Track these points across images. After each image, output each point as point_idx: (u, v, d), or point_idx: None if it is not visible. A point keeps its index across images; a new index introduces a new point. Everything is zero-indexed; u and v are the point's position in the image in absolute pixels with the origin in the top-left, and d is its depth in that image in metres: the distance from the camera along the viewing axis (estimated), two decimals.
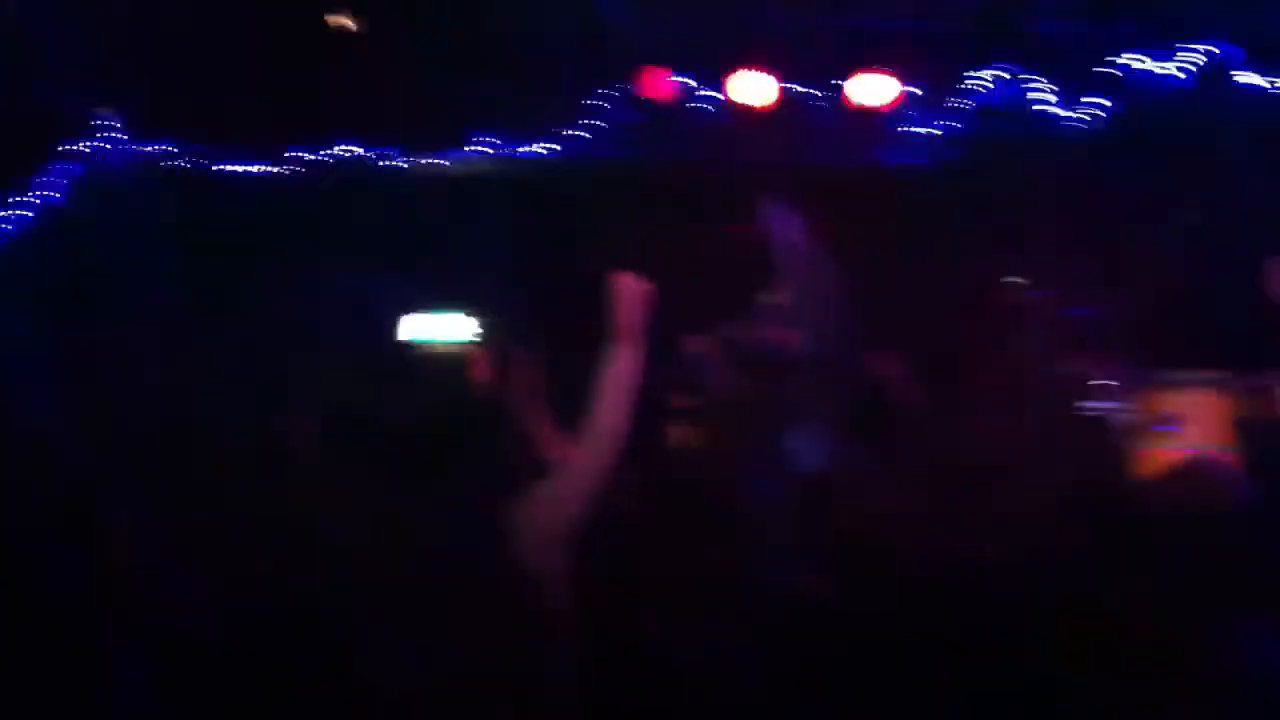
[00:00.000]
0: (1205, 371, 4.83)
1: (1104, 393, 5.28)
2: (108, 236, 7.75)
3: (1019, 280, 6.08)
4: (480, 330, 7.62)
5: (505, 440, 4.36)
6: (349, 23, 8.29)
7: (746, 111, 7.84)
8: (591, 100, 8.20)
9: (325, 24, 8.14)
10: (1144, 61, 7.09)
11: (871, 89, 7.40)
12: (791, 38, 7.51)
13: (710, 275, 6.28)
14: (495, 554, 3.12)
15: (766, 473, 5.23)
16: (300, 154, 8.34)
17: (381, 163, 8.26)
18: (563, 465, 3.48)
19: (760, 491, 4.77)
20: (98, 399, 5.37)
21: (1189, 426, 4.65)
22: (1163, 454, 4.71)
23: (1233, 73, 6.75)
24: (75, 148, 8.35)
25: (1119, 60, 7.13)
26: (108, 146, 8.35)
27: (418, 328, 7.82)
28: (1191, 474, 3.81)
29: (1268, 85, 6.70)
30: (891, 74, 7.37)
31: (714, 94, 7.97)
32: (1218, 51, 6.88)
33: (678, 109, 8.11)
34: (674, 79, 8.06)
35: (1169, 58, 6.87)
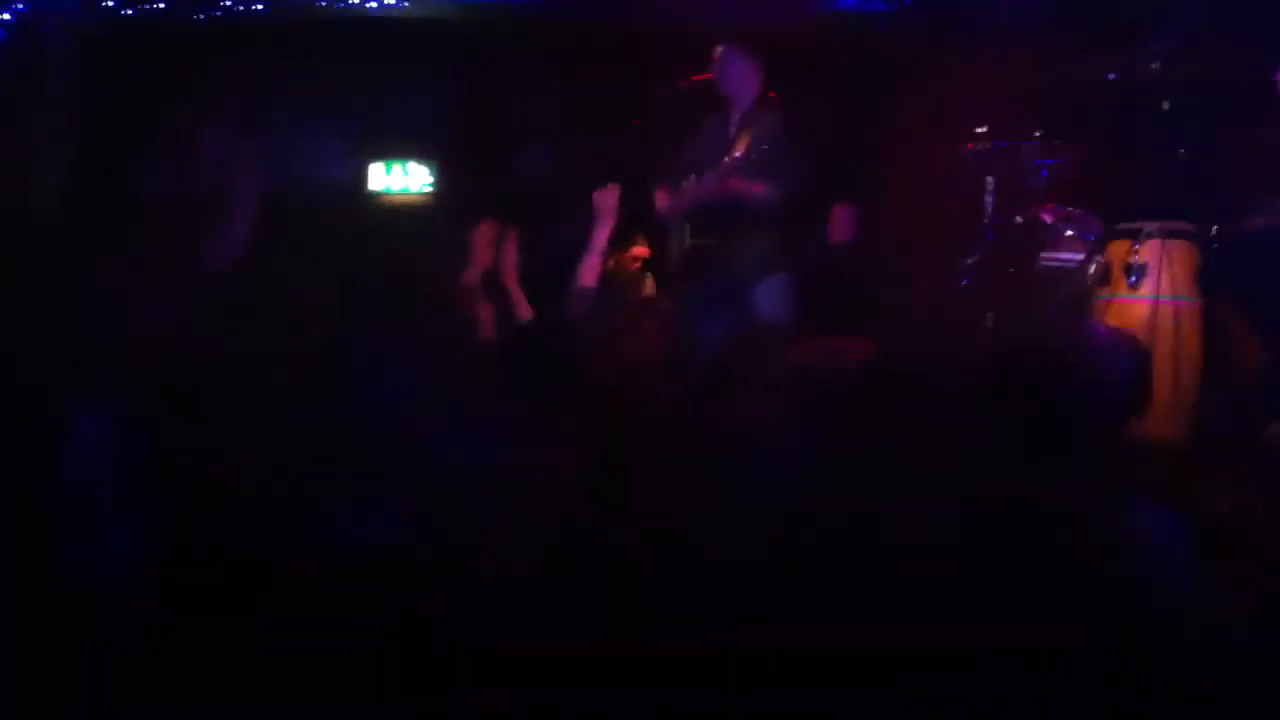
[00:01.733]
0: (1170, 222, 4.92)
1: (1068, 243, 5.39)
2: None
3: (982, 133, 6.11)
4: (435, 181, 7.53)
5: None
6: None
7: None
8: None
9: None
10: None
11: None
12: None
13: (669, 130, 6.24)
14: None
15: (724, 322, 5.37)
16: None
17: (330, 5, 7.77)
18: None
19: (715, 336, 4.99)
20: None
21: (1154, 275, 4.75)
22: (1128, 303, 4.86)
23: None
24: None
25: None
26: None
27: (383, 178, 7.71)
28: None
29: None
30: None
31: None
32: None
33: None
34: None
35: None
